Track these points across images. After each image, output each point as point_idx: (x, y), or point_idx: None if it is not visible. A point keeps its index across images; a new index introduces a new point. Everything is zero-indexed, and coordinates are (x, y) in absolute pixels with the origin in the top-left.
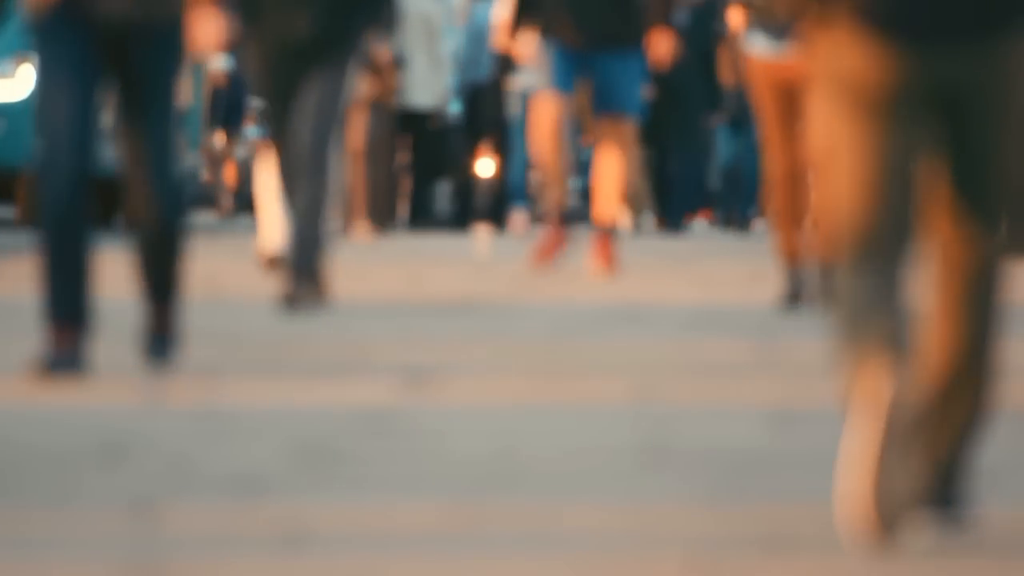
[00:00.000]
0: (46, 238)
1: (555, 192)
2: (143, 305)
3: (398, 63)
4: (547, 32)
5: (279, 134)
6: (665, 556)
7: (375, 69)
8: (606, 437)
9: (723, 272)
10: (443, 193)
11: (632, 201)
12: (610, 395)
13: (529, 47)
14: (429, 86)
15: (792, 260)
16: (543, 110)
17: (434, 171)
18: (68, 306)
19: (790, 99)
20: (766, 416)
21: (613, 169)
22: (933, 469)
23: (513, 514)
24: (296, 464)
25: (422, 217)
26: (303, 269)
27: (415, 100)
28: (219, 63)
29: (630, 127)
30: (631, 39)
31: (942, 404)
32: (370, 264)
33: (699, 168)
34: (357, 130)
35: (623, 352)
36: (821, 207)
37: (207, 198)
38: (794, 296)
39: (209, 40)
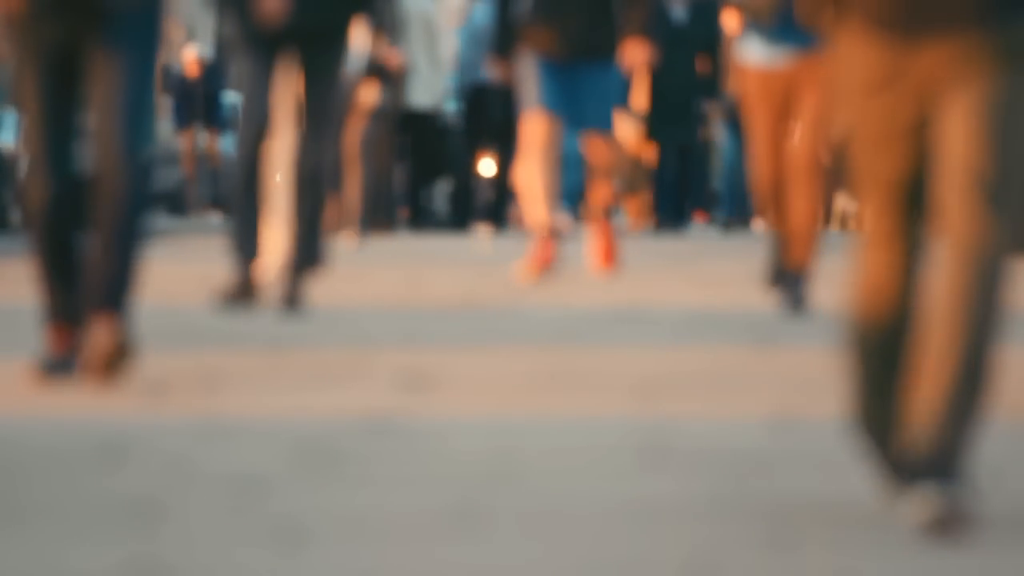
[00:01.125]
0: (37, 243)
1: (542, 212)
2: (92, 279)
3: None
4: (530, 47)
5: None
6: (665, 556)
7: (388, 75)
8: (606, 438)
9: (723, 273)
10: (443, 193)
11: (626, 185)
12: (610, 396)
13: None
14: (429, 86)
15: (789, 263)
16: (532, 130)
17: (434, 171)
18: (65, 309)
19: (782, 107)
20: (766, 417)
21: (604, 157)
22: (933, 448)
23: (513, 515)
24: (296, 464)
25: (422, 217)
26: (301, 271)
27: (415, 100)
28: (191, 51)
29: (617, 131)
30: (612, 50)
31: (937, 384)
32: (370, 265)
33: (700, 166)
34: (354, 131)
35: (623, 353)
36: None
37: (176, 197)
38: (793, 298)
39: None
